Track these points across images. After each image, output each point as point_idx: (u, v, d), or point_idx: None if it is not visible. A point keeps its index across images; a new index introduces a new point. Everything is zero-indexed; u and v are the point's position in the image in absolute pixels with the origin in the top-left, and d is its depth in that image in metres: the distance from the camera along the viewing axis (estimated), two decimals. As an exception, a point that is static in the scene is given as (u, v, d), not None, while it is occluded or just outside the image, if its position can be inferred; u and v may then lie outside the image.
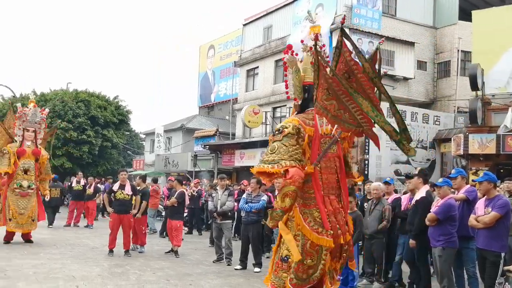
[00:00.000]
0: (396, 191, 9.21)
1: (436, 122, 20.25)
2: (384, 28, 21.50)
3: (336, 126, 4.96)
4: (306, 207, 5.05)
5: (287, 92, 5.93)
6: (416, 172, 7.68)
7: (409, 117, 19.51)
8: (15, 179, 10.91)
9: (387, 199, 8.12)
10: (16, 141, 11.33)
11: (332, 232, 4.96)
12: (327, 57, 5.68)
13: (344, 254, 5.27)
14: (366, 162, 18.25)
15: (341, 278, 7.73)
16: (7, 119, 11.91)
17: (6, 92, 30.78)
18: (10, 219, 10.72)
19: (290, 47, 5.87)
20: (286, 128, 5.06)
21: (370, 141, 18.04)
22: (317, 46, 4.98)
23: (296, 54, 5.80)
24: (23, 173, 11.01)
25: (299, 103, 5.54)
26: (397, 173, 18.40)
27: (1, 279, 7.05)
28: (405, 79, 21.87)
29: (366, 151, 18.25)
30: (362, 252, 8.27)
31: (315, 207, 5.03)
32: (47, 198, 12.09)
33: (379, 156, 18.48)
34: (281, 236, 5.22)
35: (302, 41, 5.80)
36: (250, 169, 5.15)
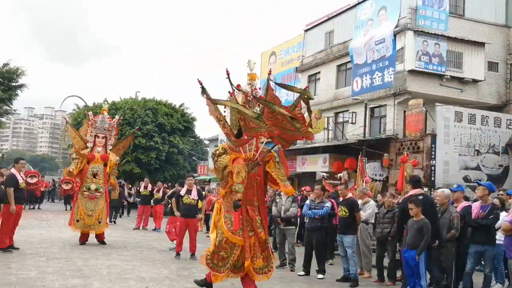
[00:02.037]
0: (467, 199, 8.84)
1: (510, 126, 19.20)
2: (452, 29, 20.74)
3: (259, 151, 6.76)
4: (228, 212, 6.61)
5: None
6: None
7: (479, 121, 18.68)
8: (84, 182, 11.58)
9: (456, 207, 7.82)
10: (88, 147, 12.05)
11: (241, 233, 6.49)
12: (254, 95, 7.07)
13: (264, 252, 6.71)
14: (432, 168, 17.64)
15: (408, 287, 7.57)
16: (83, 127, 12.71)
17: (81, 101, 32.62)
18: (77, 220, 11.37)
19: (238, 86, 7.03)
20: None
21: (437, 146, 17.48)
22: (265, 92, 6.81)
23: (239, 86, 6.95)
24: (92, 177, 11.66)
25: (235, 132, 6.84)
26: (466, 179, 17.61)
27: (79, 278, 7.50)
28: (475, 81, 20.93)
29: (432, 156, 17.64)
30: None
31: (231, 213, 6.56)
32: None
33: (446, 162, 17.82)
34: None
35: (238, 86, 6.99)
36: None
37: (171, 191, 12.84)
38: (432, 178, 17.52)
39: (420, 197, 7.66)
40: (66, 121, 13.31)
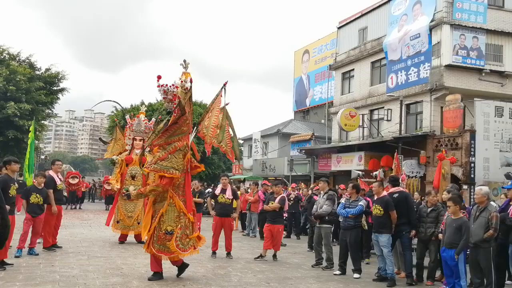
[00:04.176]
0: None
1: (554, 121, 18.42)
2: (490, 21, 20.09)
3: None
4: (183, 196, 7.68)
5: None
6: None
7: (522, 117, 17.99)
8: (124, 184, 11.87)
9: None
10: (127, 149, 12.34)
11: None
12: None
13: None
14: (472, 165, 17.15)
15: (447, 287, 7.42)
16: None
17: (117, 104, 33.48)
18: (118, 221, 11.68)
19: (159, 77, 7.79)
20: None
21: (476, 142, 16.99)
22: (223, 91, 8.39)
23: (177, 87, 7.81)
24: (130, 179, 11.94)
25: None
26: (508, 176, 17.02)
27: (118, 276, 7.73)
28: (516, 74, 20.21)
29: (472, 153, 17.15)
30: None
31: (184, 198, 7.68)
32: None
33: (486, 159, 17.28)
34: (161, 216, 7.46)
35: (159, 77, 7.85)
36: (147, 169, 7.76)
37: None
38: (472, 175, 17.04)
39: (396, 195, 8.68)
40: (116, 123, 13.78)
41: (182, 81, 7.87)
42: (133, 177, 11.93)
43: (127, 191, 11.73)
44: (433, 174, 14.80)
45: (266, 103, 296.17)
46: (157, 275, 7.65)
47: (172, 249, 7.40)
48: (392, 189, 8.96)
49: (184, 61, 8.07)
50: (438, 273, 8.78)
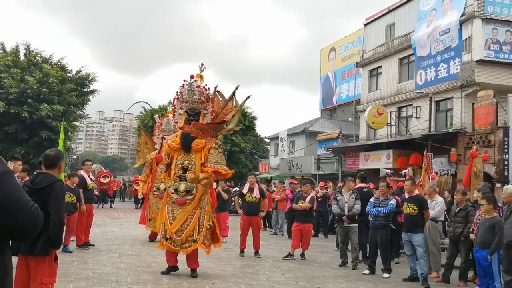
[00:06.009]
0: None
1: None
2: (525, 14, 19.52)
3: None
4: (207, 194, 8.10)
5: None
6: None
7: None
8: (154, 183, 12.03)
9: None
10: (157, 148, 12.51)
11: None
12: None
13: None
14: (506, 162, 16.72)
15: (481, 288, 7.27)
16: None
17: (147, 105, 34.05)
18: (150, 219, 11.84)
19: (192, 76, 8.02)
20: None
21: (510, 139, 16.55)
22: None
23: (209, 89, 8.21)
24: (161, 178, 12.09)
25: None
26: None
27: (149, 274, 7.86)
28: (553, 69, 19.56)
29: (505, 150, 16.72)
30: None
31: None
32: None
33: (521, 156, 16.80)
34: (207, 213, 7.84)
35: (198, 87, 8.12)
36: (211, 168, 7.63)
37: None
38: (506, 173, 16.61)
39: (365, 190, 10.11)
40: (143, 130, 14.06)
41: (206, 85, 8.18)
42: None
43: (158, 189, 11.91)
44: (465, 172, 14.49)
45: (292, 101, 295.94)
46: (195, 270, 7.92)
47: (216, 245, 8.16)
48: (360, 185, 10.43)
49: (202, 64, 8.32)
50: (470, 274, 8.60)
